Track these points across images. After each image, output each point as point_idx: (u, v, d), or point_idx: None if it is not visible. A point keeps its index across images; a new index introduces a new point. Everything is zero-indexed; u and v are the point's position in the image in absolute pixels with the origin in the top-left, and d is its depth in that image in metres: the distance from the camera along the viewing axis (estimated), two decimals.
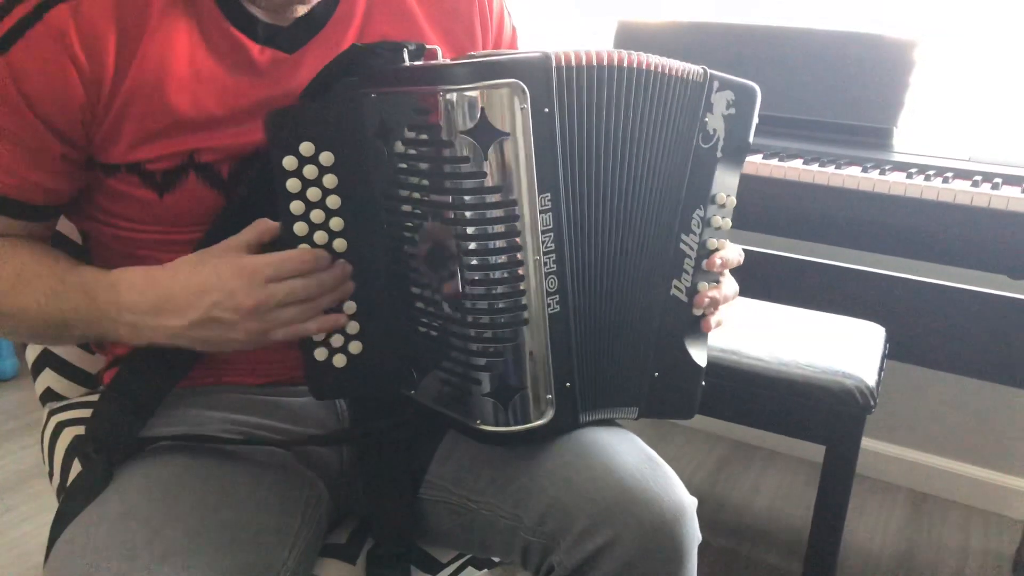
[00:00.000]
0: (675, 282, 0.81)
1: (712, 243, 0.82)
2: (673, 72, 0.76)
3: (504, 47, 0.97)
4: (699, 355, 0.84)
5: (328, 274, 0.74)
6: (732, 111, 0.79)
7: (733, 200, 0.83)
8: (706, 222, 0.81)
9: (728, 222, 0.83)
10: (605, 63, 0.73)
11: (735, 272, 0.89)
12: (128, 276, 0.75)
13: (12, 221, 0.77)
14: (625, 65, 0.73)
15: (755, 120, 0.82)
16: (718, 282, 0.84)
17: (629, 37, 1.82)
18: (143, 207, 0.78)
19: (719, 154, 0.80)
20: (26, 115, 0.71)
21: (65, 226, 0.93)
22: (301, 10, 0.80)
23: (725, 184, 0.82)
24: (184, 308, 0.72)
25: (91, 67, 0.71)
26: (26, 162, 0.74)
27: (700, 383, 0.85)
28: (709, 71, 0.78)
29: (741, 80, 0.80)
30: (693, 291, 0.82)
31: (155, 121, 0.74)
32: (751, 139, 0.82)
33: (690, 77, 0.77)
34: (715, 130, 0.79)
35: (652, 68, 0.75)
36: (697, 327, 0.84)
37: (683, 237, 0.80)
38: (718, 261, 0.82)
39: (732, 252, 0.85)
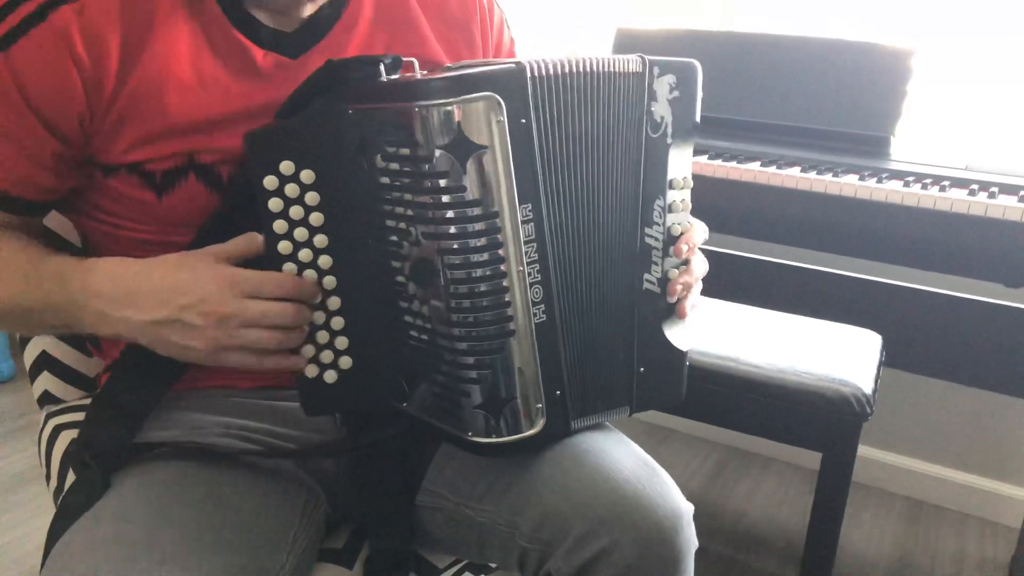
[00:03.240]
0: (646, 276, 0.80)
1: (676, 228, 0.81)
2: (616, 68, 0.75)
3: (503, 57, 0.98)
4: (680, 340, 0.84)
5: (308, 311, 0.74)
6: (676, 94, 0.78)
7: (690, 179, 0.82)
8: (667, 209, 0.80)
9: (688, 202, 0.82)
10: (572, 70, 0.72)
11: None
12: (103, 264, 0.74)
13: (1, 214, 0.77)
14: (583, 70, 0.73)
15: (700, 96, 0.80)
16: (688, 263, 0.83)
17: (628, 44, 1.83)
18: (142, 208, 0.78)
19: (669, 140, 0.79)
20: (24, 112, 0.72)
21: (64, 227, 0.93)
22: (310, 8, 0.80)
23: (680, 167, 0.81)
24: (153, 304, 0.71)
25: (93, 68, 0.72)
26: (19, 158, 0.74)
27: (685, 366, 0.85)
28: (647, 58, 0.76)
29: (679, 60, 0.79)
30: (664, 280, 0.82)
31: (156, 123, 0.75)
32: (698, 117, 0.81)
33: (631, 69, 0.76)
34: (662, 117, 0.78)
35: (601, 69, 0.74)
36: (674, 313, 0.83)
37: (647, 231, 0.79)
38: (684, 247, 0.81)
39: (697, 233, 0.84)
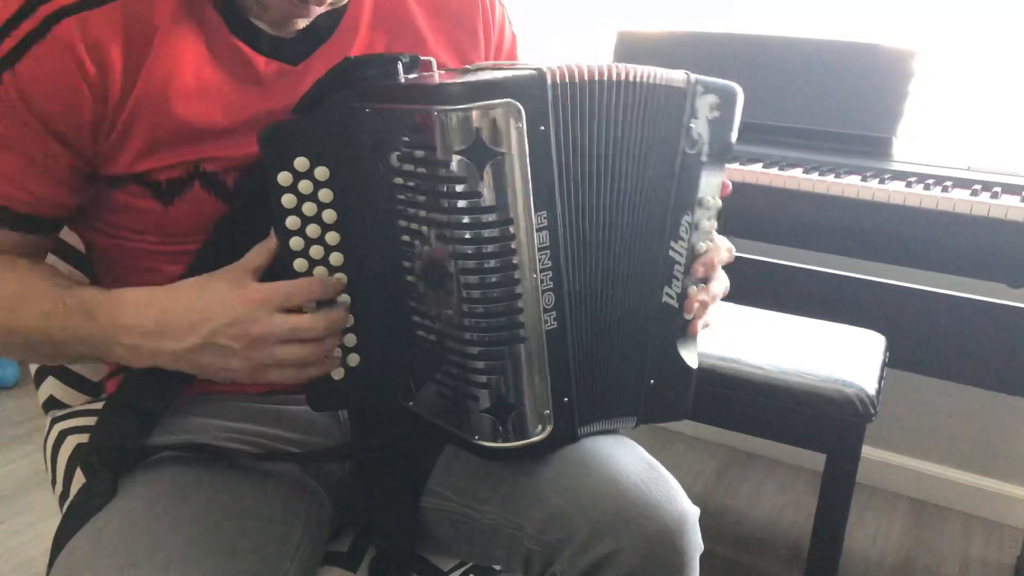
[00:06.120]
0: (666, 289, 0.80)
1: (700, 247, 0.82)
2: (657, 81, 0.76)
3: (504, 54, 0.98)
4: (691, 357, 0.84)
5: (336, 312, 0.75)
6: (716, 114, 0.79)
7: (719, 202, 0.83)
8: (694, 226, 0.81)
9: (715, 223, 0.83)
10: (596, 77, 0.72)
11: (729, 270, 0.88)
12: (129, 296, 0.74)
13: (15, 234, 0.77)
14: (614, 78, 0.73)
15: (738, 120, 0.81)
16: (707, 282, 0.83)
17: (629, 47, 1.83)
18: (148, 218, 0.78)
19: (704, 158, 0.79)
20: (35, 128, 0.72)
21: (69, 236, 0.93)
22: (302, 23, 0.80)
23: (711, 187, 0.81)
24: (184, 332, 0.72)
25: (100, 79, 0.72)
26: (33, 175, 0.74)
27: (693, 384, 0.85)
28: (692, 76, 0.77)
29: (723, 82, 0.79)
30: (684, 296, 0.82)
31: (161, 132, 0.75)
32: (734, 140, 0.82)
33: (673, 84, 0.77)
34: (700, 135, 0.78)
35: (638, 79, 0.75)
36: (687, 330, 0.83)
37: (672, 244, 0.80)
38: (701, 269, 0.82)
39: (721, 252, 0.84)
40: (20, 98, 0.70)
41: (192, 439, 0.83)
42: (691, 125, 0.78)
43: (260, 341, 0.71)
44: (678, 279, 0.81)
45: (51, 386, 1.01)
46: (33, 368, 1.02)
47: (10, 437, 2.09)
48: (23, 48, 0.69)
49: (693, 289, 0.82)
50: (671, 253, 0.80)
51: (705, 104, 0.78)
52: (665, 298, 0.81)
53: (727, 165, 1.47)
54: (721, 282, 0.86)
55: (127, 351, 0.74)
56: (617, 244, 0.77)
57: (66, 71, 0.70)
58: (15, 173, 0.74)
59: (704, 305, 0.83)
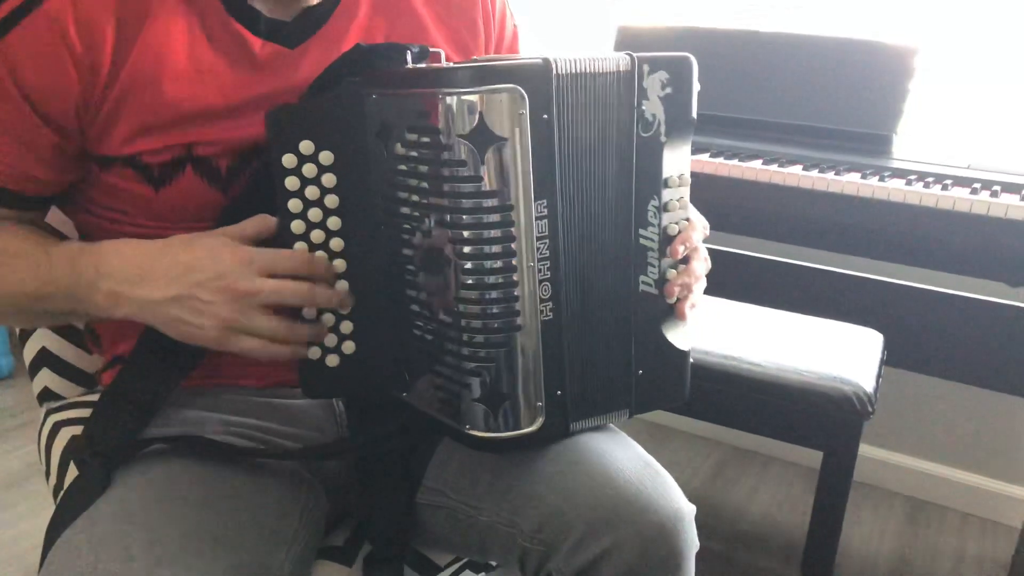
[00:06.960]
0: (642, 278, 0.79)
1: (673, 228, 0.80)
2: (606, 68, 0.73)
3: (505, 47, 0.97)
4: (681, 340, 0.83)
5: (322, 289, 0.74)
6: (669, 91, 0.76)
7: (687, 176, 0.80)
8: (663, 208, 0.78)
9: (686, 199, 0.80)
10: (587, 70, 0.72)
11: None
12: (114, 244, 0.74)
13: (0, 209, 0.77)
14: (594, 71, 0.72)
15: (696, 90, 0.78)
16: (687, 262, 0.81)
17: (630, 43, 1.82)
18: (139, 202, 0.78)
19: (663, 138, 0.77)
20: (19, 104, 0.71)
21: (61, 221, 0.93)
22: (306, 3, 0.80)
23: (676, 165, 0.79)
24: (166, 281, 0.71)
25: (88, 56, 0.71)
26: (17, 151, 0.74)
27: (687, 367, 0.84)
28: (635, 56, 0.74)
29: (671, 55, 0.76)
30: (662, 281, 0.80)
31: (152, 113, 0.74)
32: (695, 112, 0.79)
33: (620, 68, 0.74)
34: (654, 115, 0.76)
35: (596, 68, 0.73)
36: (673, 314, 0.82)
37: (641, 232, 0.78)
38: (681, 248, 0.79)
39: (696, 231, 0.82)
40: (7, 72, 0.70)
41: (187, 432, 0.82)
42: (643, 108, 0.75)
43: (243, 299, 0.70)
44: (653, 266, 0.79)
45: (46, 377, 1.01)
46: (28, 359, 1.02)
47: (5, 429, 2.09)
48: (12, 21, 0.69)
49: (672, 272, 0.80)
50: (641, 241, 0.78)
51: (655, 83, 0.75)
52: (642, 287, 0.79)
53: (725, 161, 1.49)
54: (702, 261, 0.83)
55: (105, 298, 0.72)
56: (596, 237, 0.76)
57: (54, 47, 0.70)
58: None
59: (686, 287, 0.80)
